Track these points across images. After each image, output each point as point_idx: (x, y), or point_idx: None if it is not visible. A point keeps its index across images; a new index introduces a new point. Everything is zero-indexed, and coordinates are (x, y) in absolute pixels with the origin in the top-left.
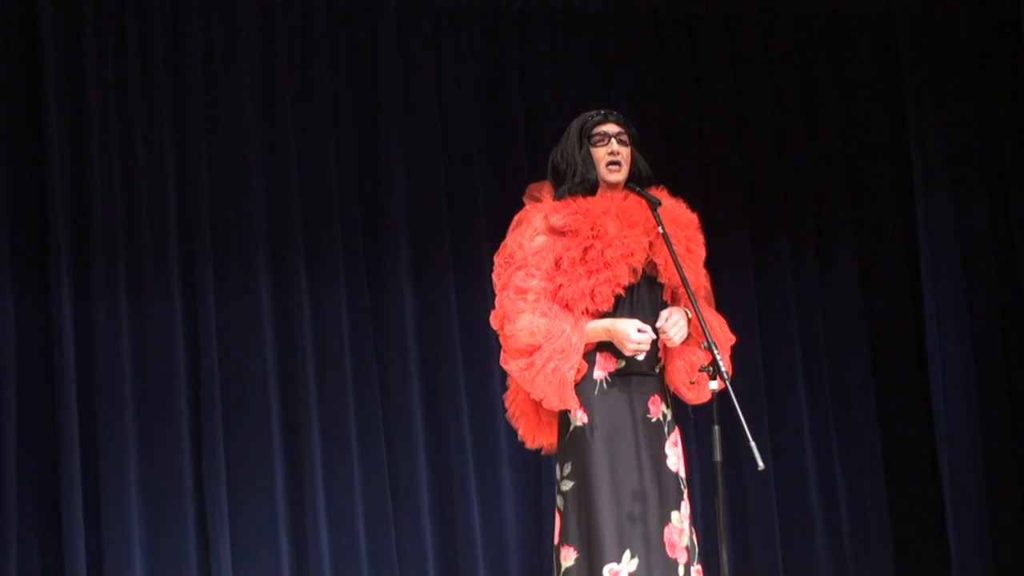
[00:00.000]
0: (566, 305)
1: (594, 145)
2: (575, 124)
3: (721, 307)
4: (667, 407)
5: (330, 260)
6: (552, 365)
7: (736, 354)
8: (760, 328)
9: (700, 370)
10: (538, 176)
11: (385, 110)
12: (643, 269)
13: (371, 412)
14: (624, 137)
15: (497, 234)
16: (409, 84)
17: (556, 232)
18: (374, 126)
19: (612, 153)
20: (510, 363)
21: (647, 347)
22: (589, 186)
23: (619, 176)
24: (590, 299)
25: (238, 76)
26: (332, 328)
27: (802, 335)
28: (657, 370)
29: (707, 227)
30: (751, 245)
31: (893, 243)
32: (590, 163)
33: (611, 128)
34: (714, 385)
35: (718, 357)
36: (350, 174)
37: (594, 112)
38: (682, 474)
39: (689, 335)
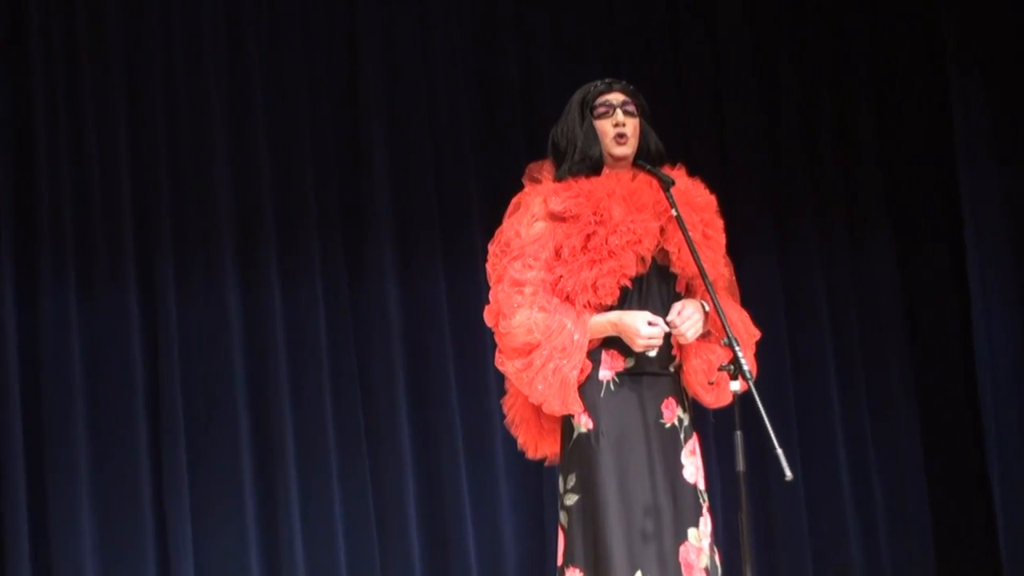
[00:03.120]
0: (567, 298)
1: (597, 117)
2: (576, 96)
3: (743, 299)
4: (683, 411)
5: (305, 252)
6: (552, 365)
7: (761, 351)
8: (787, 322)
9: (720, 369)
10: (537, 156)
11: (366, 85)
12: (653, 258)
13: (352, 421)
14: (631, 108)
15: (492, 220)
16: (392, 56)
17: (556, 218)
18: (353, 103)
19: (617, 125)
20: (506, 363)
21: (659, 342)
22: (592, 164)
23: (626, 150)
24: (592, 292)
25: (199, 48)
26: (308, 328)
27: (834, 329)
28: (671, 369)
29: (726, 210)
30: (775, 230)
31: (934, 225)
32: (593, 138)
33: (616, 97)
34: (736, 386)
35: (740, 355)
36: (327, 157)
37: (597, 81)
38: (701, 486)
39: (708, 331)
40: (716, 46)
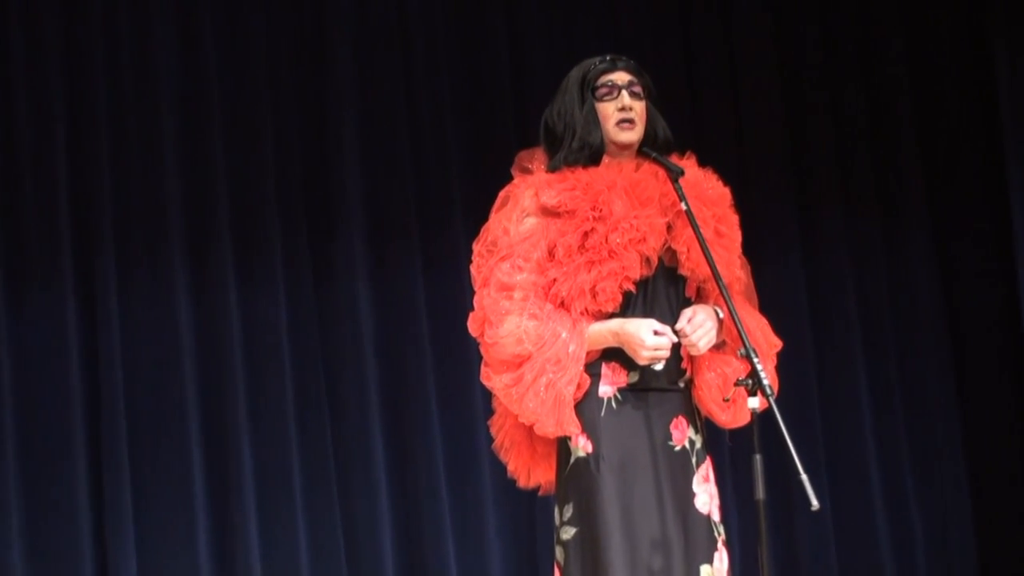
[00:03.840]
0: (562, 304)
1: (599, 99)
2: (574, 74)
3: (762, 304)
4: (695, 432)
5: (265, 253)
6: (545, 379)
7: (783, 363)
8: (812, 330)
9: (736, 384)
10: (528, 144)
11: (334, 64)
12: (659, 258)
13: (318, 443)
14: (637, 89)
15: (477, 216)
16: (364, 31)
17: (549, 213)
18: (320, 85)
19: (623, 108)
20: (493, 378)
21: (667, 353)
22: (591, 152)
23: (632, 136)
24: (591, 297)
25: (146, 18)
26: (268, 338)
27: (865, 338)
28: (681, 384)
29: (742, 204)
30: (799, 226)
31: (979, 221)
32: (594, 122)
33: (621, 77)
34: (754, 403)
35: (759, 368)
36: (290, 143)
37: (598, 59)
38: (716, 517)
39: (723, 341)
40: (731, 18)
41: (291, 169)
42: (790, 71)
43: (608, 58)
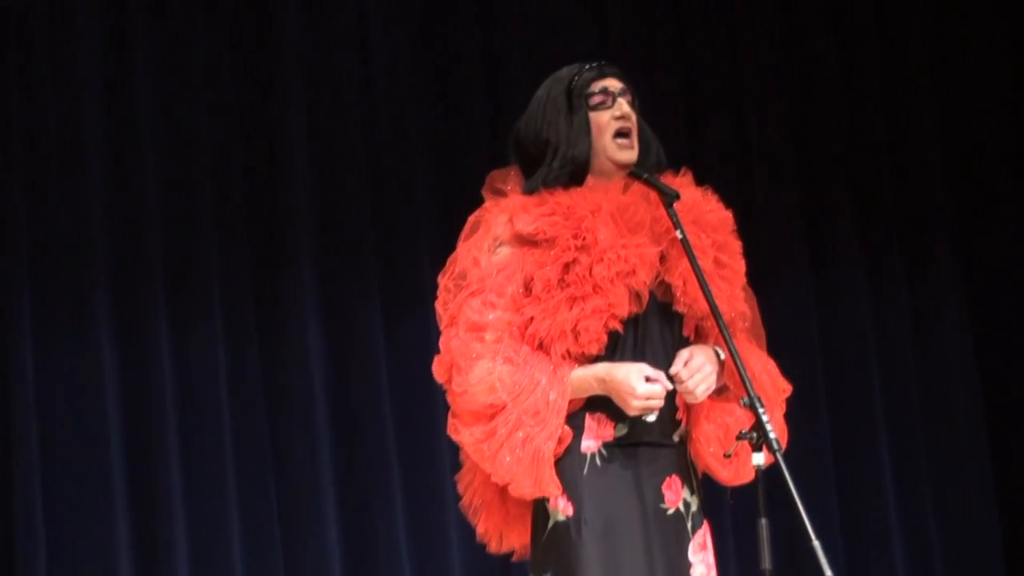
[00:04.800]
0: (540, 346)
1: (593, 108)
2: (555, 84)
3: (771, 344)
4: (691, 492)
5: (201, 287)
6: (521, 433)
7: (792, 411)
8: (825, 371)
9: (739, 437)
10: (503, 161)
11: (281, 66)
12: (651, 293)
13: (263, 508)
14: (630, 98)
15: (443, 245)
16: (315, 34)
17: (525, 241)
18: (265, 89)
19: (621, 118)
20: (462, 431)
21: (660, 403)
22: (575, 170)
23: (632, 155)
24: (573, 338)
25: (70, 13)
26: (204, 384)
27: (885, 379)
28: (676, 438)
29: (746, 230)
30: (810, 251)
31: (1012, 238)
32: (585, 135)
33: (613, 84)
34: (760, 459)
35: (764, 419)
36: (230, 162)
37: (583, 65)
38: None
39: (724, 387)
40: (734, 16)
41: (231, 193)
42: (800, 78)
43: (595, 64)
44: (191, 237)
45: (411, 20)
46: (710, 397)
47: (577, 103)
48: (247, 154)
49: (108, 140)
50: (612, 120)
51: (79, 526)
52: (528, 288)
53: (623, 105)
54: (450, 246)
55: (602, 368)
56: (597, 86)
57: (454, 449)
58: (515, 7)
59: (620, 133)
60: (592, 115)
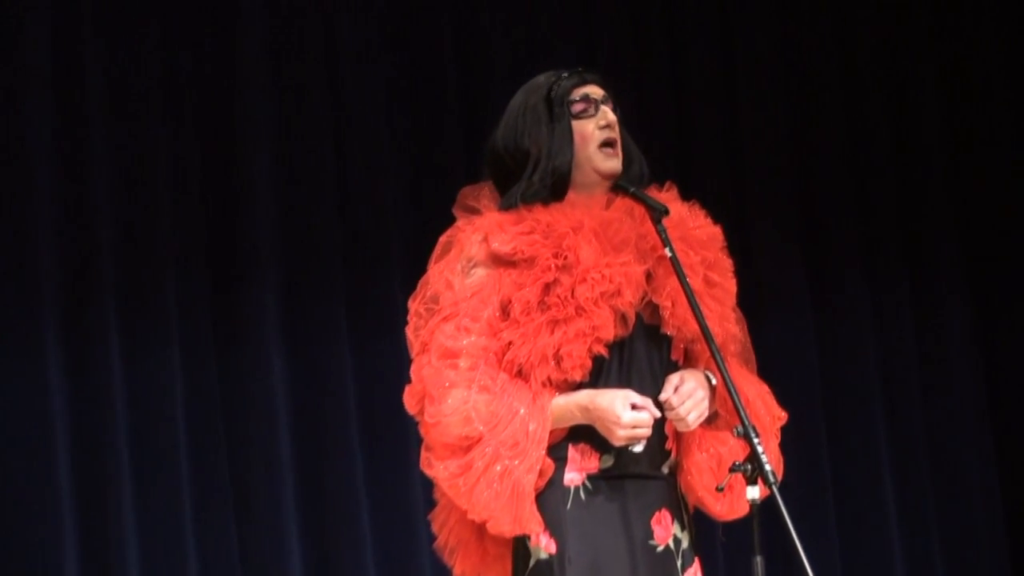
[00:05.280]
0: (519, 373)
1: (576, 116)
2: (532, 92)
3: (765, 367)
4: (681, 528)
5: (156, 308)
6: (500, 467)
7: (788, 440)
8: (825, 398)
9: (732, 469)
10: (476, 176)
11: (242, 70)
12: (638, 315)
13: (222, 545)
14: (611, 105)
15: (415, 266)
16: (280, 32)
17: (502, 262)
18: (223, 92)
19: (607, 127)
20: (436, 465)
21: (648, 432)
22: (556, 184)
23: (618, 164)
24: (554, 364)
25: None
26: (159, 414)
27: (889, 408)
28: (666, 470)
29: (738, 246)
30: (807, 269)
31: (1021, 257)
32: (568, 145)
33: (594, 91)
34: (754, 492)
35: (759, 449)
36: (188, 173)
37: (561, 72)
38: None
39: (716, 414)
40: (727, 11)
41: (187, 205)
42: (798, 81)
43: (575, 70)
44: (144, 255)
45: (382, 29)
46: (701, 426)
47: (558, 111)
48: (205, 165)
49: (56, 154)
50: (597, 130)
51: (25, 562)
52: (505, 311)
53: (607, 113)
54: (421, 268)
55: (585, 396)
56: (578, 93)
57: (428, 485)
58: (493, 12)
59: (605, 143)
60: (575, 124)
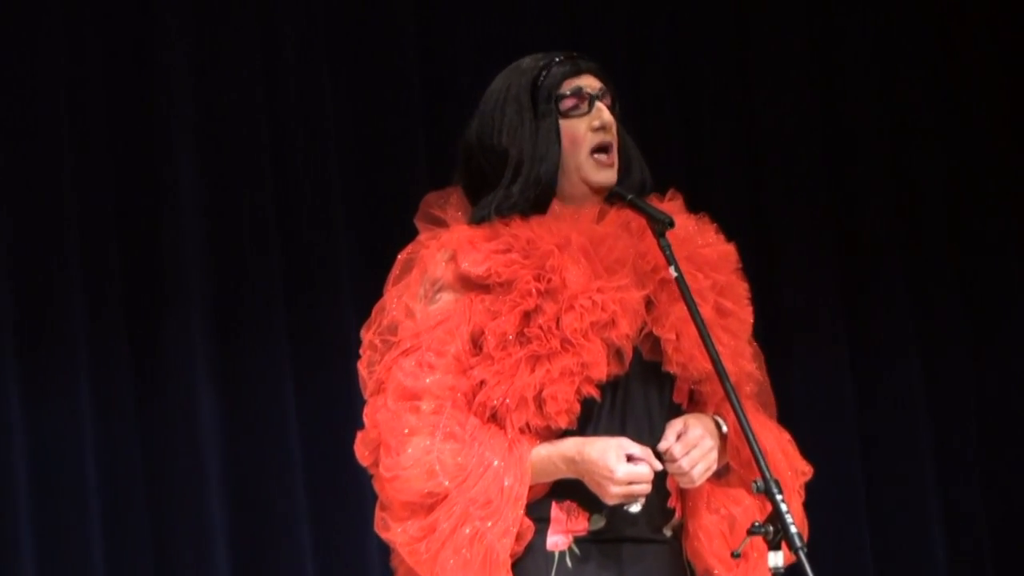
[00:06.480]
0: (493, 418)
1: (566, 114)
2: (516, 77)
3: (787, 415)
4: None
5: (63, 346)
6: (469, 529)
7: (817, 498)
8: (864, 450)
9: (750, 532)
10: (441, 180)
11: (163, 60)
12: (635, 349)
13: None
14: (609, 101)
15: (368, 289)
16: (206, 27)
17: (473, 285)
18: (147, 92)
19: (601, 128)
20: (393, 528)
21: (646, 488)
22: (540, 192)
23: (611, 174)
24: (536, 408)
25: None
26: (69, 464)
27: (941, 457)
28: (668, 532)
29: (756, 266)
30: (843, 295)
31: None
32: (555, 147)
33: (589, 83)
34: (777, 559)
35: (783, 507)
36: (99, 180)
37: (552, 56)
38: None
39: (727, 467)
40: None
41: (101, 223)
42: (829, 63)
43: (567, 55)
44: (50, 283)
45: (329, 15)
46: (710, 481)
47: (544, 107)
48: (121, 177)
49: None
50: (589, 132)
51: None
52: (477, 345)
53: (603, 112)
54: (376, 292)
55: (572, 445)
56: (570, 85)
57: (384, 550)
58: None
59: (599, 148)
60: (564, 123)
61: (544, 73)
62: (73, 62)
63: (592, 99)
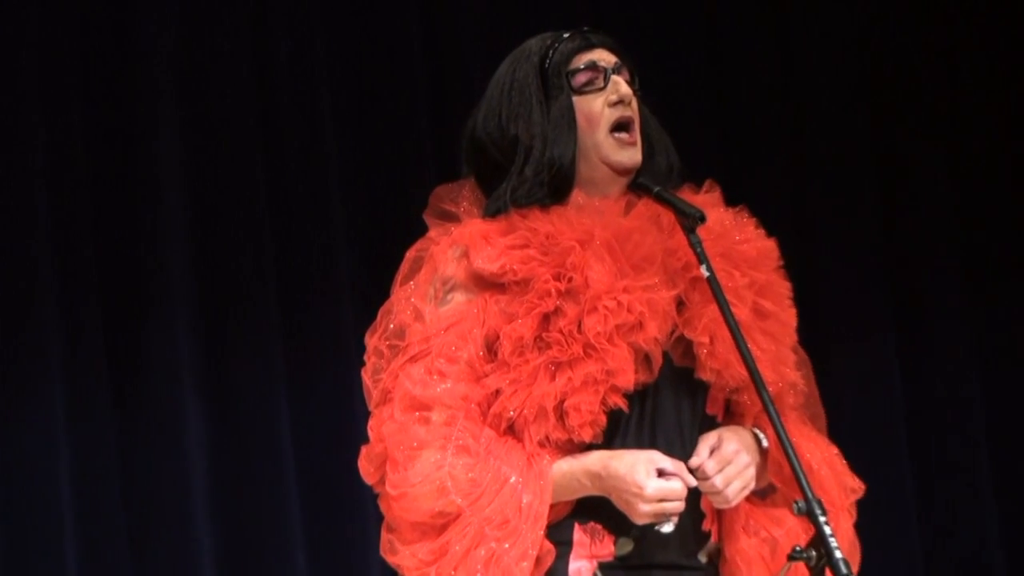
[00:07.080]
0: (510, 430)
1: (580, 90)
2: (522, 60)
3: (836, 427)
4: None
5: (37, 352)
6: (484, 551)
7: (869, 517)
8: (915, 465)
9: (791, 557)
10: (451, 172)
11: (141, 52)
12: (665, 354)
13: None
14: (628, 77)
15: (373, 290)
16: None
17: (487, 285)
18: (126, 82)
19: (619, 103)
20: (401, 551)
21: (679, 507)
22: (559, 180)
23: (636, 155)
24: (557, 420)
25: None
26: (39, 492)
27: (1000, 471)
28: (703, 558)
29: (798, 265)
30: (894, 295)
31: None
32: (570, 128)
33: (604, 57)
34: None
35: (826, 530)
36: (73, 182)
37: (560, 34)
38: None
39: (769, 486)
40: None
41: (73, 214)
42: (878, 53)
43: (578, 30)
44: (23, 283)
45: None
46: (749, 500)
47: (555, 84)
48: (96, 174)
49: None
50: (606, 107)
51: None
52: (492, 350)
53: (620, 85)
54: (382, 293)
55: (597, 459)
56: (582, 60)
57: (389, 572)
58: None
59: (619, 125)
60: (577, 101)
61: (553, 51)
62: (50, 50)
63: (607, 72)
